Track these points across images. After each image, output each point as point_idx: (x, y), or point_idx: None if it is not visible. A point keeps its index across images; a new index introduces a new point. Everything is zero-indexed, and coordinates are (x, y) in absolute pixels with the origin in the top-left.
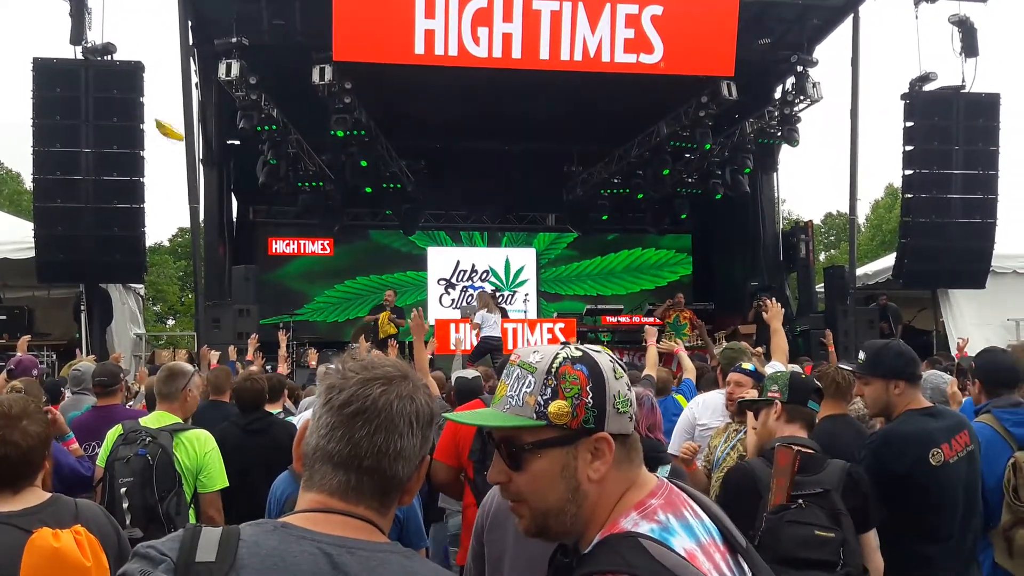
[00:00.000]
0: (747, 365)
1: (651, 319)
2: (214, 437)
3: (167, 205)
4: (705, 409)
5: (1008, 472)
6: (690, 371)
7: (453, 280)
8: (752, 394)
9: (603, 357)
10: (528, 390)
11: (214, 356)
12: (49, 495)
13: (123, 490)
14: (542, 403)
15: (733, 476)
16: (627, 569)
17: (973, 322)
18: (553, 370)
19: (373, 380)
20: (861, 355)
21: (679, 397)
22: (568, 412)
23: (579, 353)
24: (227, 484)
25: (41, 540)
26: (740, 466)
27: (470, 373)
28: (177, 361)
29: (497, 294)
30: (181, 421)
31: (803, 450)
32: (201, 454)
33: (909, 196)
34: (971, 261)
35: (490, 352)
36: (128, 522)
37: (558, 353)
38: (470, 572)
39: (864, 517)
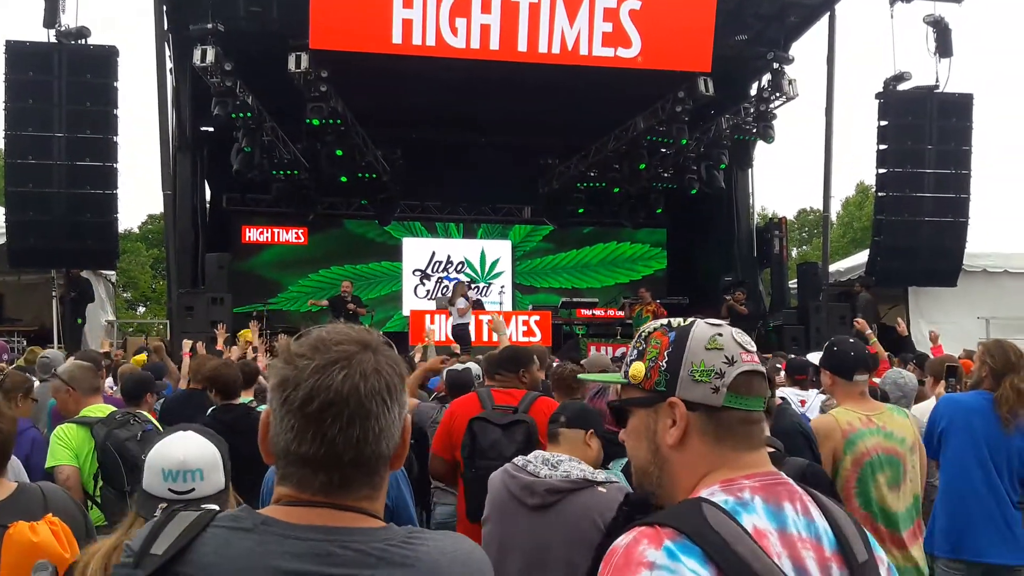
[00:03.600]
0: None
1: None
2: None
3: (137, 192)
4: None
5: None
6: None
7: (428, 271)
8: None
9: (704, 328)
10: (631, 355)
11: (186, 345)
12: (15, 484)
13: None
14: (628, 364)
15: None
16: (674, 523)
17: (944, 320)
18: (645, 334)
19: (330, 365)
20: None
21: None
22: (643, 373)
23: (682, 323)
24: None
25: (19, 535)
26: None
27: (460, 366)
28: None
29: (472, 285)
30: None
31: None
32: None
33: (882, 194)
34: (943, 259)
35: (460, 339)
36: None
37: (665, 322)
38: None
39: None
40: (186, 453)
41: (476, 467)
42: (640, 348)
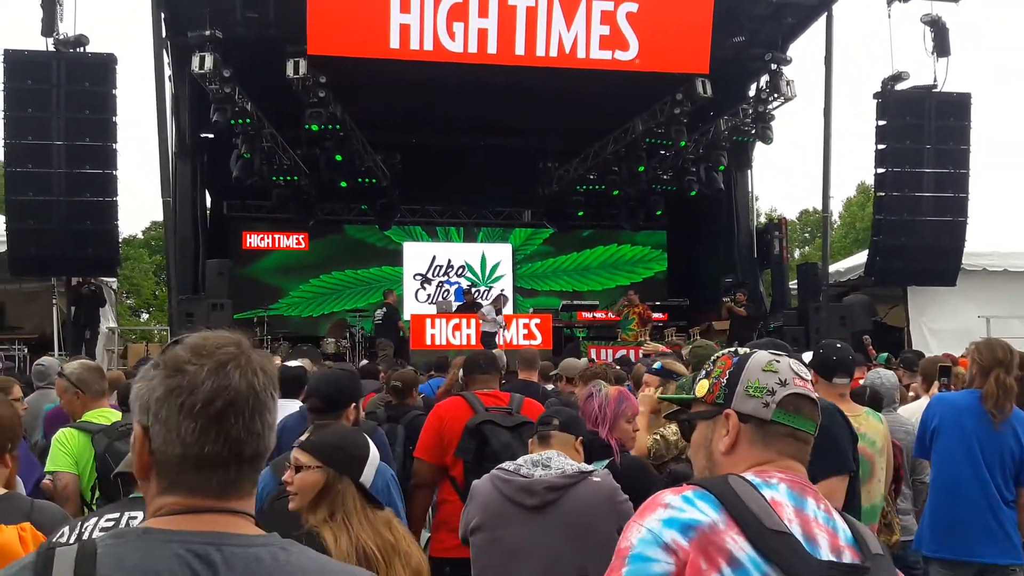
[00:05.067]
0: (656, 364)
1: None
2: None
3: (141, 198)
4: None
5: None
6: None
7: (429, 275)
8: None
9: (765, 355)
10: (700, 375)
11: None
12: (3, 491)
13: None
14: (695, 382)
15: (664, 484)
16: (696, 482)
17: (944, 319)
18: (715, 358)
19: (223, 366)
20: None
21: None
22: (707, 389)
23: (748, 351)
24: None
25: None
26: (670, 472)
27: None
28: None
29: (473, 290)
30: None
31: None
32: None
33: (881, 194)
34: (942, 259)
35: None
36: None
37: (733, 349)
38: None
39: None
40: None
41: (487, 471)
42: (708, 369)
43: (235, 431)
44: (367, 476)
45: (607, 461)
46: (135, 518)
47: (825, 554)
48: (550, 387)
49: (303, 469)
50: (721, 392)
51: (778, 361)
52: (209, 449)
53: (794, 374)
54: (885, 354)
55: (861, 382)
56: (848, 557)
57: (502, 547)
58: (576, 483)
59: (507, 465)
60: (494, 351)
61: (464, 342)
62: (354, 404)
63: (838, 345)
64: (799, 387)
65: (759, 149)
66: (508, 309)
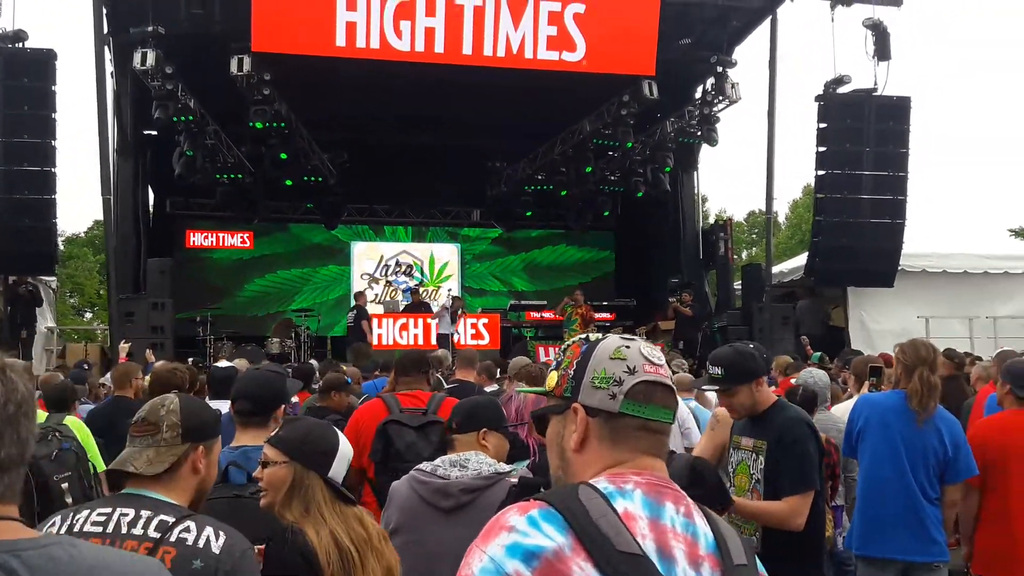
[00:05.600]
0: None
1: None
2: (118, 435)
3: (85, 197)
4: None
5: None
6: None
7: (376, 275)
8: None
9: (613, 341)
10: (552, 366)
11: (123, 350)
12: None
13: (64, 485)
14: (546, 374)
15: None
16: (545, 498)
17: (885, 320)
18: (565, 347)
19: (1, 372)
20: (716, 370)
21: None
22: (555, 381)
23: (599, 337)
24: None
25: None
26: None
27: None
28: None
29: (421, 289)
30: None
31: None
32: (87, 440)
33: (821, 196)
34: (881, 261)
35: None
36: None
37: (585, 336)
38: None
39: (711, 507)
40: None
41: (392, 471)
42: (558, 359)
43: (24, 432)
44: (336, 471)
45: (527, 461)
46: (126, 515)
47: (681, 571)
48: (493, 387)
49: (270, 465)
50: (568, 385)
51: (627, 347)
52: (5, 454)
53: (644, 360)
54: (819, 354)
55: (793, 381)
56: (708, 568)
57: (422, 549)
58: (492, 484)
59: (425, 466)
60: (437, 352)
61: (411, 342)
62: (284, 406)
63: (745, 351)
64: (649, 374)
65: (708, 151)
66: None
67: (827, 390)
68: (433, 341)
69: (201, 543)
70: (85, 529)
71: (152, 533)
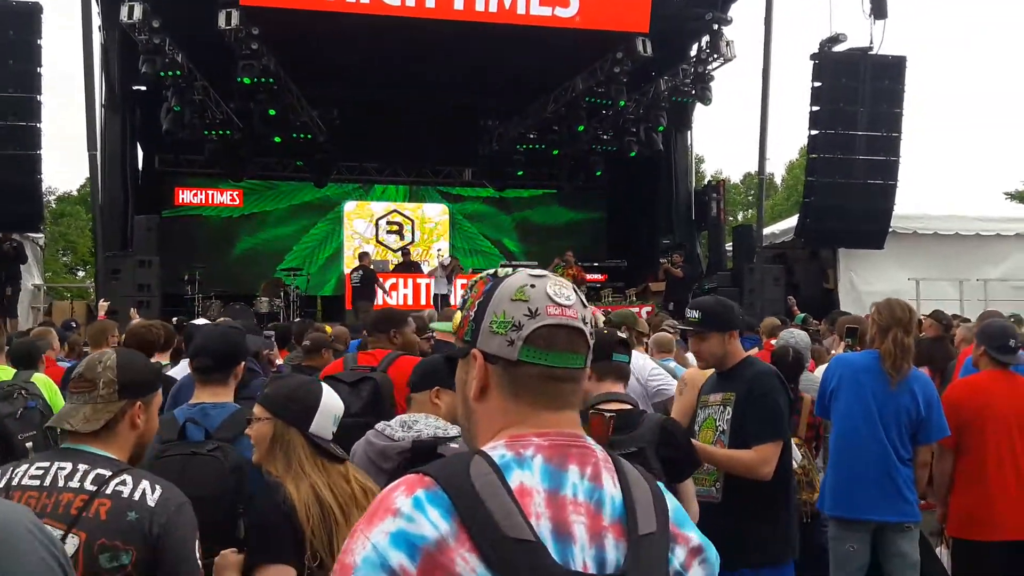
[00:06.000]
0: None
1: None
2: None
3: (77, 154)
4: None
5: None
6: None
7: (366, 234)
8: None
9: (518, 279)
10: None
11: (102, 308)
12: None
13: (29, 444)
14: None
15: None
16: (430, 472)
17: (876, 281)
18: (471, 284)
19: None
20: (693, 314)
21: None
22: (458, 323)
23: (507, 273)
24: None
25: None
26: None
27: None
28: None
29: (411, 247)
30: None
31: (621, 407)
32: (54, 398)
33: (814, 156)
34: (872, 222)
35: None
36: None
37: (493, 271)
38: None
39: (679, 468)
40: (342, 403)
41: None
42: (464, 297)
43: None
44: (318, 426)
45: None
46: (63, 468)
47: (580, 550)
48: None
49: (257, 421)
50: (470, 327)
51: (532, 286)
52: None
53: (549, 300)
54: (803, 315)
55: (773, 343)
56: (611, 540)
57: None
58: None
59: (380, 426)
60: (423, 313)
61: (400, 301)
62: (243, 362)
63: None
64: (553, 316)
65: (705, 112)
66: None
67: (807, 351)
68: (423, 302)
69: (136, 495)
70: (23, 482)
71: (88, 486)
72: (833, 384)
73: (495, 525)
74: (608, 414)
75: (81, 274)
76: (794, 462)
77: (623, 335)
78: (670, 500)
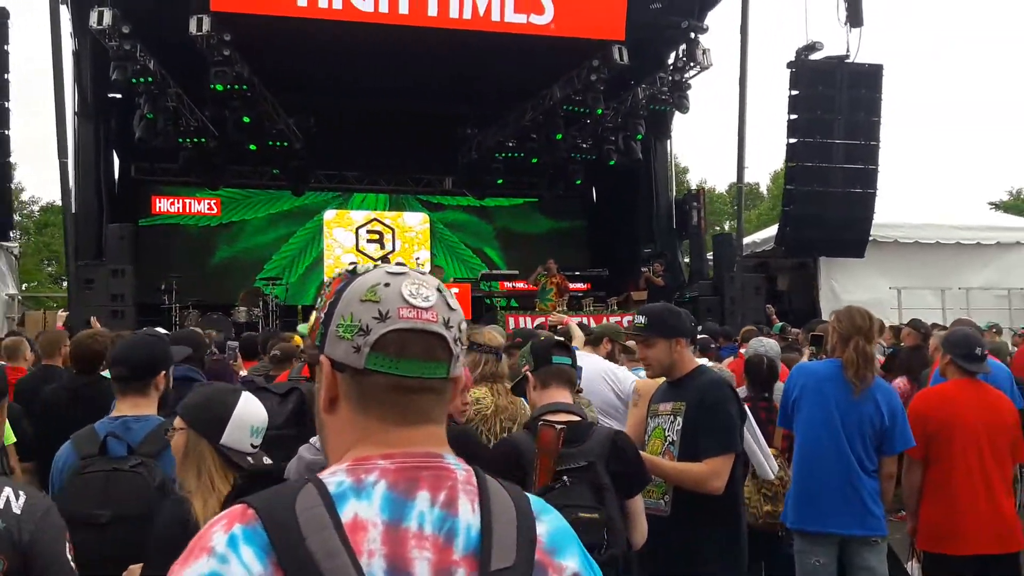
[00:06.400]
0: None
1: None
2: (43, 401)
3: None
4: None
5: None
6: (579, 339)
7: (345, 242)
8: None
9: (373, 276)
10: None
11: (60, 318)
12: None
13: None
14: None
15: (496, 452)
16: (254, 503)
17: (857, 290)
18: (327, 282)
19: None
20: (640, 319)
21: None
22: (311, 324)
23: (367, 268)
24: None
25: None
26: (503, 441)
27: None
28: None
29: (390, 256)
30: None
31: (570, 419)
32: None
33: (792, 164)
34: (851, 230)
35: None
36: None
37: (351, 267)
38: None
39: (630, 484)
40: (265, 413)
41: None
42: (319, 295)
43: None
44: (231, 438)
45: None
46: None
47: None
48: None
49: (175, 432)
50: (319, 332)
51: (386, 285)
52: None
53: (403, 302)
54: (780, 324)
55: (742, 351)
56: (428, 562)
57: None
58: None
59: (315, 439)
60: None
61: None
62: (164, 372)
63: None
64: (406, 320)
65: (689, 121)
66: (425, 271)
67: (777, 359)
68: None
69: (1, 504)
70: None
71: None
72: (796, 394)
73: (315, 567)
74: (559, 426)
75: (65, 284)
76: (771, 473)
77: (560, 338)
78: (548, 523)
